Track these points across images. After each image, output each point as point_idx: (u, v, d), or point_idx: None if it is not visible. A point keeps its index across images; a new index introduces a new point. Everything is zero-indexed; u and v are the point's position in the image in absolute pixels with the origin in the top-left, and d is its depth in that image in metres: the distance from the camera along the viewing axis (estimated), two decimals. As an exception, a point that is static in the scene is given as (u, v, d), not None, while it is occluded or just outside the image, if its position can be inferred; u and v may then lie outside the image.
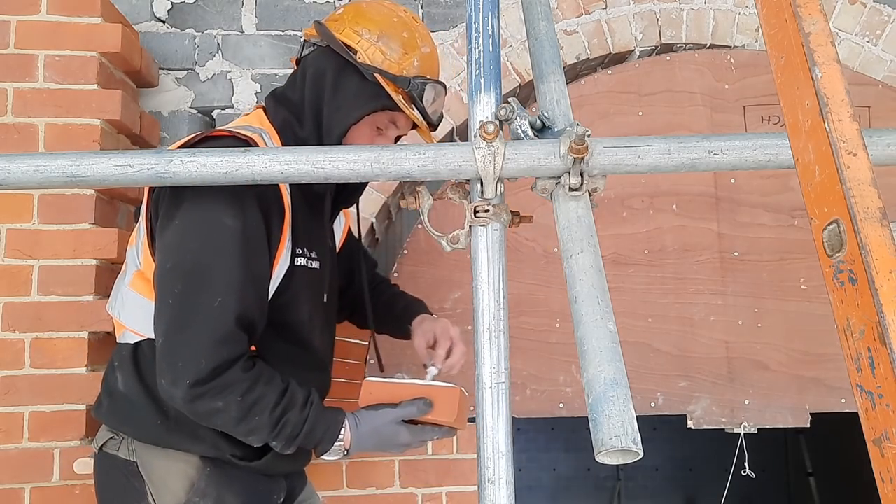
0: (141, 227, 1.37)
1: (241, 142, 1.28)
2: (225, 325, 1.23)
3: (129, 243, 1.46)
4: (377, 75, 1.35)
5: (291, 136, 1.40)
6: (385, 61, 1.36)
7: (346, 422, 1.35)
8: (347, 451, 1.35)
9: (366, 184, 1.57)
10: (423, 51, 1.40)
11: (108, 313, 1.49)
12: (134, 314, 1.38)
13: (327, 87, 1.38)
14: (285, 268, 1.35)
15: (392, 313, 1.70)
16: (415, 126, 1.44)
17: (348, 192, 1.54)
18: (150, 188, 1.33)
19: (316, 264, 1.43)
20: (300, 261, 1.38)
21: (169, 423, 1.35)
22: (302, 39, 1.48)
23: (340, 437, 1.34)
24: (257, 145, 1.29)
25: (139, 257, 1.37)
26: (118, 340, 1.44)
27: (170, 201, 1.28)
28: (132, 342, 1.39)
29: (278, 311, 1.36)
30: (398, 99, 1.36)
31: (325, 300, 1.50)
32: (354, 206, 1.62)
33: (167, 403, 1.31)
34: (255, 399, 1.26)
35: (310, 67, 1.41)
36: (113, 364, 1.43)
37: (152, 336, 1.30)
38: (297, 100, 1.41)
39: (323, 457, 1.36)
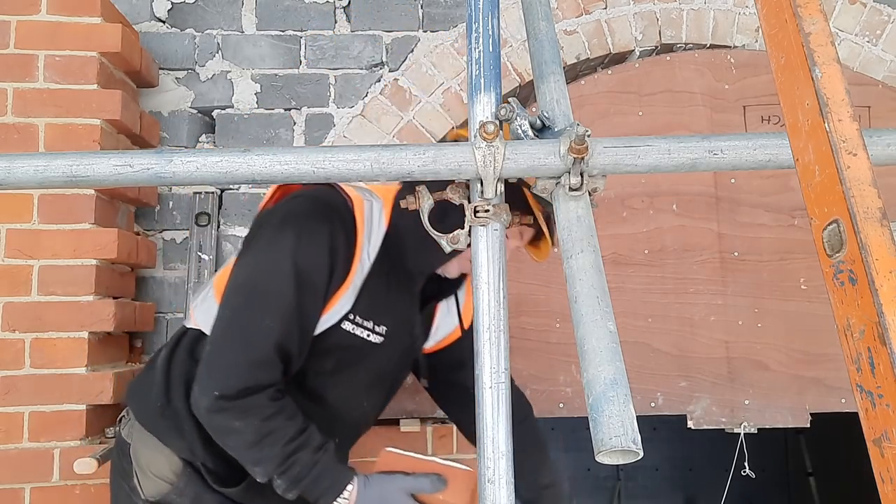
0: None
1: (338, 194, 1.34)
2: (264, 348, 1.26)
3: None
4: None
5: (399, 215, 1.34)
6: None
7: (355, 479, 1.31)
8: None
9: (461, 281, 1.51)
10: None
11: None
12: (204, 306, 1.43)
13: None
14: (327, 325, 1.35)
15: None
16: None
17: (441, 286, 1.49)
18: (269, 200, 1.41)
19: (376, 339, 1.40)
20: (348, 325, 1.37)
21: (167, 410, 1.37)
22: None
23: (346, 494, 1.29)
24: (353, 205, 1.33)
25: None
26: (185, 324, 1.49)
27: (259, 223, 1.37)
28: (187, 325, 1.46)
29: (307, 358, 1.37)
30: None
31: (378, 375, 1.49)
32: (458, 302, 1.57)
33: (174, 392, 1.36)
34: (272, 429, 1.26)
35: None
36: (170, 341, 1.49)
37: (205, 332, 1.38)
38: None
39: None
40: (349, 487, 1.29)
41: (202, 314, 1.42)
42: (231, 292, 1.32)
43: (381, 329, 1.40)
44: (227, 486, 1.37)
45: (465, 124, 1.48)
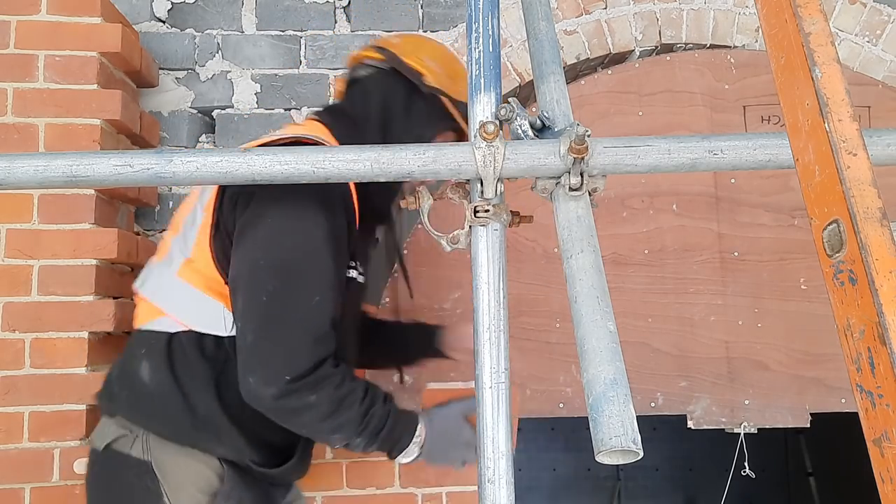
0: (198, 216, 1.34)
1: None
2: (322, 324, 1.27)
3: (171, 230, 1.43)
4: (444, 99, 1.42)
5: None
6: (448, 87, 1.44)
7: (420, 418, 1.37)
8: (422, 448, 1.36)
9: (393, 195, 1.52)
10: (466, 81, 1.45)
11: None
12: (181, 304, 1.35)
13: (398, 107, 1.43)
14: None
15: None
16: None
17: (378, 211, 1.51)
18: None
19: (362, 279, 1.46)
20: (352, 272, 1.40)
21: (196, 421, 1.32)
22: (351, 62, 1.53)
23: (418, 432, 1.35)
24: None
25: (189, 246, 1.34)
26: (147, 327, 1.38)
27: (260, 198, 1.26)
28: (169, 331, 1.34)
29: None
30: (461, 121, 1.42)
31: (359, 315, 1.53)
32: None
33: (197, 400, 1.30)
34: (345, 393, 1.27)
35: (375, 88, 1.46)
36: (137, 352, 1.37)
37: (201, 329, 1.32)
38: (360, 117, 1.44)
39: (399, 458, 1.35)
40: (419, 427, 1.35)
41: (192, 314, 1.33)
42: (257, 276, 1.25)
43: (362, 268, 1.45)
44: (276, 468, 1.38)
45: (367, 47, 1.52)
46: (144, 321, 1.40)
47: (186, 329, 1.34)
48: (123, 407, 1.37)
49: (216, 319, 1.32)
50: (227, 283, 1.30)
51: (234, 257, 1.28)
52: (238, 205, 1.29)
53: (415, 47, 1.48)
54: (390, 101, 1.43)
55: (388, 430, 1.31)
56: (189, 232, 1.37)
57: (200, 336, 1.33)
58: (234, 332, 1.30)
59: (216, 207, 1.32)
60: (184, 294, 1.35)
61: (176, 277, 1.36)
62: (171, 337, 1.34)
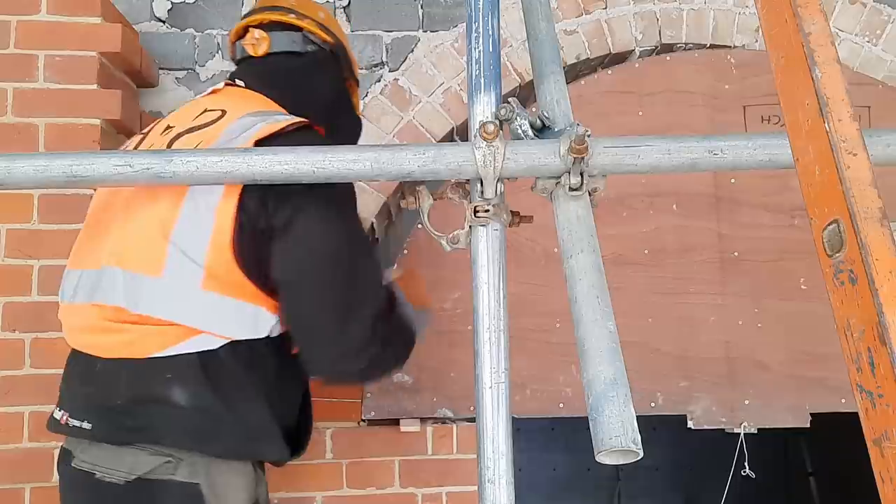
0: (209, 226, 1.23)
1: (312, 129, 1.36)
2: (381, 295, 1.38)
3: (158, 243, 1.25)
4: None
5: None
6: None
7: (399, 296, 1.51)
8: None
9: None
10: None
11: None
12: (217, 317, 1.26)
13: (342, 92, 1.58)
14: None
15: None
16: None
17: None
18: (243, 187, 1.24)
19: None
20: None
21: (251, 432, 1.29)
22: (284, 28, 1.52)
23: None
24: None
25: (202, 257, 1.23)
26: (170, 352, 1.25)
27: (297, 191, 1.22)
28: (199, 350, 1.25)
29: None
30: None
31: None
32: None
33: (246, 411, 1.26)
34: (399, 323, 1.43)
35: (330, 68, 1.55)
36: (160, 378, 1.25)
37: (239, 337, 1.26)
38: (312, 93, 1.49)
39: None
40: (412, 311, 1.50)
41: (230, 324, 1.26)
42: (324, 267, 1.27)
43: None
44: (291, 456, 1.41)
45: (255, 11, 1.54)
46: (166, 346, 1.25)
47: (221, 343, 1.26)
48: (161, 435, 1.25)
49: (252, 323, 1.28)
50: (260, 283, 1.26)
51: (283, 254, 1.25)
52: (269, 202, 1.23)
53: (331, 22, 1.58)
54: (339, 89, 1.57)
55: (417, 324, 1.48)
56: (195, 242, 1.24)
57: (235, 345, 1.27)
58: (271, 333, 1.29)
59: (239, 209, 1.23)
60: (217, 305, 1.25)
61: (202, 290, 1.24)
62: (205, 354, 1.25)
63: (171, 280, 1.24)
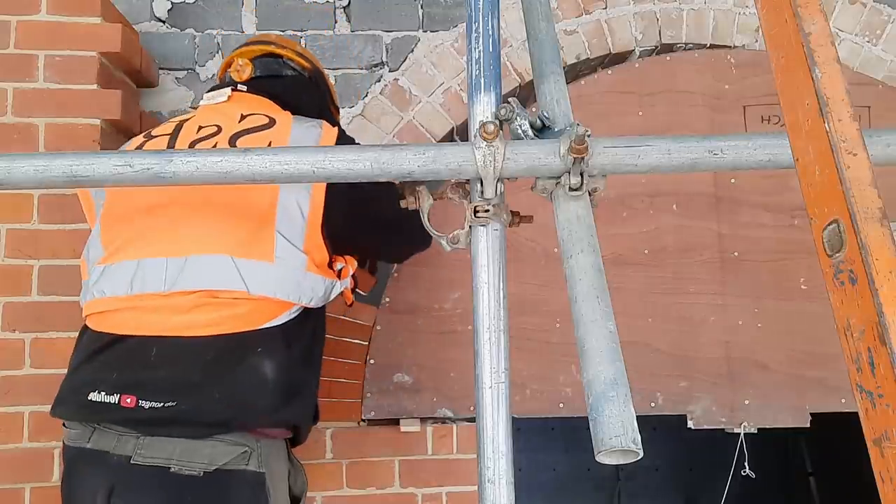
0: (302, 211, 1.44)
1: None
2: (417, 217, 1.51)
3: (266, 234, 1.44)
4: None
5: None
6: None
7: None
8: None
9: None
10: None
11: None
12: (312, 292, 1.47)
13: (325, 111, 1.73)
14: None
15: None
16: None
17: None
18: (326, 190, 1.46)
19: None
20: None
21: (313, 397, 1.51)
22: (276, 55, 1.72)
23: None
24: None
25: (301, 245, 1.44)
26: (258, 326, 1.40)
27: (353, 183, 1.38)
28: (282, 322, 1.42)
29: None
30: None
31: None
32: None
33: (311, 375, 1.52)
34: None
35: (312, 90, 1.74)
36: (252, 352, 1.38)
37: (316, 305, 1.49)
38: (300, 109, 1.60)
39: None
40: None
41: (318, 297, 1.48)
42: (392, 218, 1.48)
43: None
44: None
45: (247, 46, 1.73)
46: (264, 320, 1.41)
47: (305, 307, 1.47)
48: (270, 410, 1.38)
49: (325, 293, 1.50)
50: (340, 251, 1.54)
51: (356, 218, 1.51)
52: (345, 191, 1.46)
53: (311, 54, 1.81)
54: (322, 108, 1.73)
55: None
56: (290, 232, 1.44)
57: (307, 312, 1.48)
58: (329, 298, 1.53)
59: (326, 203, 1.45)
60: (314, 282, 1.47)
61: (305, 272, 1.45)
62: (284, 326, 1.43)
63: (281, 264, 1.43)
